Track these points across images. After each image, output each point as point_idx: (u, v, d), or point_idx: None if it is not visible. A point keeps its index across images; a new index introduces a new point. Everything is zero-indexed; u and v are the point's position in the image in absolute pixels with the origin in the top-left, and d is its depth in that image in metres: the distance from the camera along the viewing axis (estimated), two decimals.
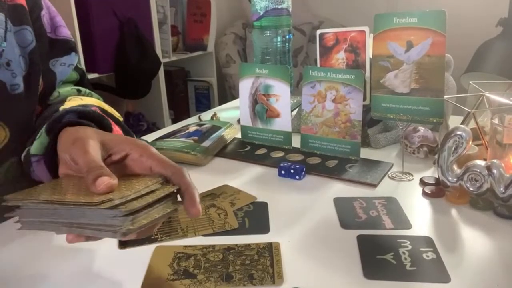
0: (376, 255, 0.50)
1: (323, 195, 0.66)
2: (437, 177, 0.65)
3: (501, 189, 0.57)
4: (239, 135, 0.90)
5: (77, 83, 0.70)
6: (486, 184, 0.58)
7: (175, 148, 0.80)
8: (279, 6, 0.94)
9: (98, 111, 0.57)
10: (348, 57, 0.83)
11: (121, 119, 0.63)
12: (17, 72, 0.57)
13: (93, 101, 0.63)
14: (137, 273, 0.48)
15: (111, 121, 0.57)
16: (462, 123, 0.71)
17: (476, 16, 2.07)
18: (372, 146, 0.84)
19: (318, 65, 0.87)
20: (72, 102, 0.61)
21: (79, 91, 0.67)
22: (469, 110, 0.69)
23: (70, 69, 0.67)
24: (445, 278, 0.46)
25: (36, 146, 0.53)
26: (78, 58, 0.69)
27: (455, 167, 0.62)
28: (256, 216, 0.60)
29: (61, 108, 0.58)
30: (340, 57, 0.84)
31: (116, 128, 0.58)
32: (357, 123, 0.75)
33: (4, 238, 0.56)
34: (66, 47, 0.66)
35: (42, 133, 0.53)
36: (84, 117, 0.54)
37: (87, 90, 0.68)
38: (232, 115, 1.05)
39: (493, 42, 1.47)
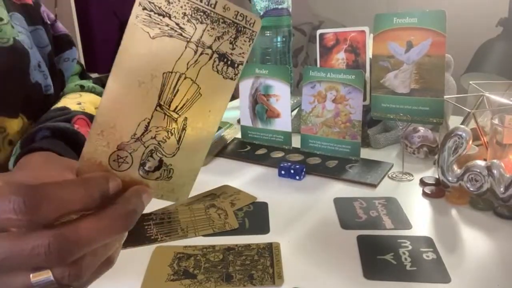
0: (376, 255, 0.50)
1: (323, 195, 0.66)
2: (437, 177, 0.65)
3: (501, 189, 0.57)
4: (239, 135, 0.90)
5: (80, 74, 0.69)
6: (486, 184, 0.58)
7: None
8: (279, 6, 0.94)
9: (75, 126, 0.51)
10: (348, 57, 0.83)
11: None
12: (47, 73, 0.57)
13: (90, 99, 0.61)
14: (137, 273, 0.48)
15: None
16: (462, 123, 0.71)
17: (476, 16, 2.07)
18: (372, 146, 0.84)
19: (318, 65, 0.87)
20: (67, 100, 0.58)
21: (82, 87, 0.65)
22: (469, 110, 0.69)
23: (74, 63, 0.67)
24: (446, 279, 0.46)
25: (12, 161, 0.49)
26: (77, 51, 0.69)
27: (455, 167, 0.62)
28: (256, 216, 0.60)
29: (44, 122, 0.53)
30: (340, 57, 0.84)
31: None
32: (357, 123, 0.75)
33: None
34: (66, 42, 0.66)
35: (17, 149, 0.49)
36: (57, 135, 0.49)
37: (91, 85, 0.66)
38: (232, 115, 1.05)
39: (493, 42, 1.47)
